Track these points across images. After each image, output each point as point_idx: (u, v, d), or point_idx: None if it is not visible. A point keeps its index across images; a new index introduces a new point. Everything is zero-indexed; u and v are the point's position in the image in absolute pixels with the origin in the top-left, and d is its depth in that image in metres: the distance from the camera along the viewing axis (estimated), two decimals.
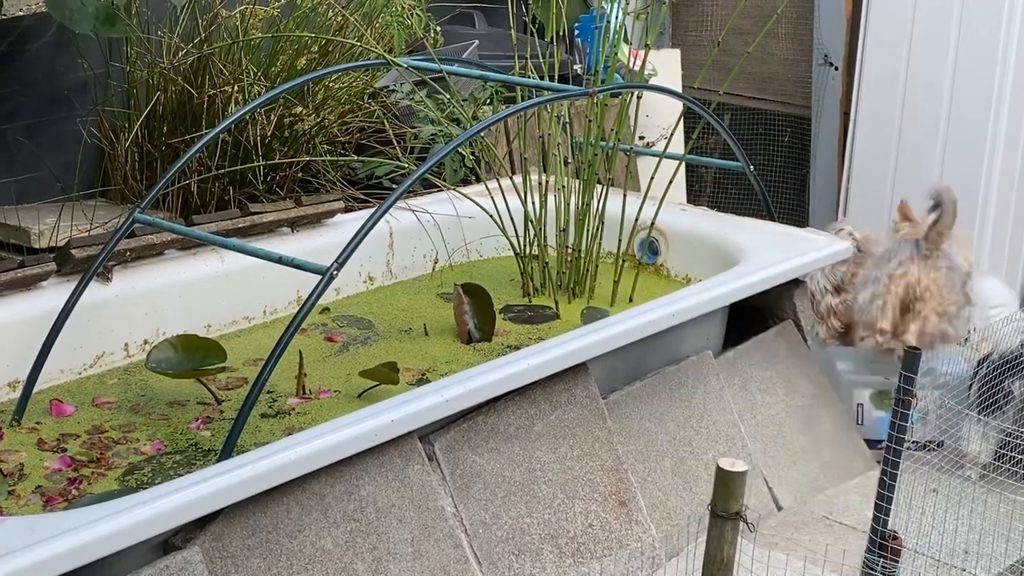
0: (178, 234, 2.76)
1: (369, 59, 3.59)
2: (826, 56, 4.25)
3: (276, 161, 3.56)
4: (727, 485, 1.73)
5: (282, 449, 2.07)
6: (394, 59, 3.23)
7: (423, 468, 2.33)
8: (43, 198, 3.50)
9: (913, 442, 2.98)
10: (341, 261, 2.37)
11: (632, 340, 2.71)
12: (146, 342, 2.86)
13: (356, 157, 3.78)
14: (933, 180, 3.93)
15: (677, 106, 4.34)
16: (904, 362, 2.00)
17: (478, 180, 3.75)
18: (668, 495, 2.73)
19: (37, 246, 3.20)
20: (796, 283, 3.28)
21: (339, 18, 3.72)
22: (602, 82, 3.46)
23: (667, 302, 2.85)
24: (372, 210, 3.41)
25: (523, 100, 3.56)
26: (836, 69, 4.22)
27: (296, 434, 2.16)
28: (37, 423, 2.54)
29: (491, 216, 3.39)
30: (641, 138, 4.25)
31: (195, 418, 2.59)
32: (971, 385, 3.14)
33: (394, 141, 3.71)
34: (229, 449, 2.22)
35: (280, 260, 2.47)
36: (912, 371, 1.98)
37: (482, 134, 3.51)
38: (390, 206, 2.49)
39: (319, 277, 2.36)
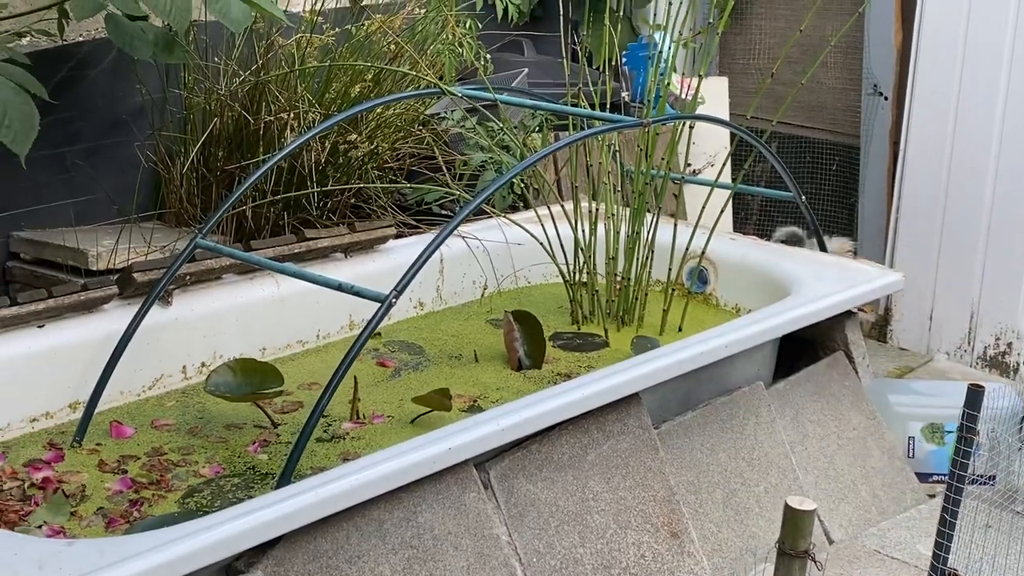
0: (239, 260, 2.80)
1: (420, 86, 3.63)
2: (875, 85, 4.23)
3: (330, 187, 3.60)
4: (796, 524, 1.72)
5: (344, 475, 2.09)
6: (449, 87, 3.26)
7: (479, 496, 2.34)
8: (100, 220, 3.56)
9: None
10: (400, 289, 2.40)
11: (686, 371, 2.72)
12: (203, 365, 2.90)
13: (407, 183, 3.82)
14: (983, 212, 3.91)
15: (724, 134, 4.35)
16: (967, 399, 1.99)
17: (526, 207, 3.77)
18: (720, 527, 2.72)
19: (95, 268, 3.24)
20: (848, 314, 3.27)
21: (392, 46, 3.76)
22: (654, 111, 3.48)
23: (720, 333, 2.85)
24: (425, 237, 3.45)
25: (574, 128, 3.58)
26: (886, 99, 4.20)
27: (356, 460, 2.18)
28: (98, 444, 2.58)
29: (540, 243, 3.40)
30: (688, 165, 4.26)
31: (252, 441, 2.62)
32: (1023, 420, 3.12)
33: (443, 168, 3.74)
34: (289, 474, 2.24)
35: (340, 287, 2.49)
36: (975, 408, 1.97)
37: None
38: (448, 234, 2.50)
39: (376, 304, 2.38)
